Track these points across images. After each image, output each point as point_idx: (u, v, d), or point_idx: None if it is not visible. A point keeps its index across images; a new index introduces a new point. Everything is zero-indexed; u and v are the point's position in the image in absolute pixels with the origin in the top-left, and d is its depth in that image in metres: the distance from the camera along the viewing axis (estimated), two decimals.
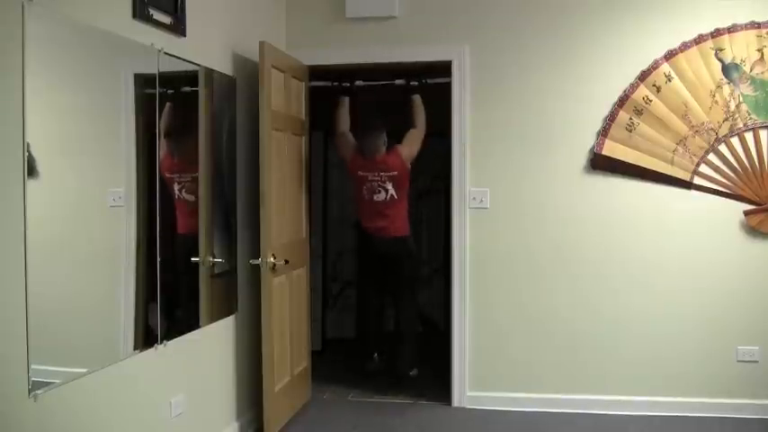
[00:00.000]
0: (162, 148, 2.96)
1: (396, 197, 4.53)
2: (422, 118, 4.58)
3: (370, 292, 4.99)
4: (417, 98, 4.60)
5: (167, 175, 3.06)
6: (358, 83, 4.82)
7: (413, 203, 5.32)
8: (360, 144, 4.57)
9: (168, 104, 3.02)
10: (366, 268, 5.03)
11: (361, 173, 4.55)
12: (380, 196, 4.53)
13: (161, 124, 2.96)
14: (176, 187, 3.15)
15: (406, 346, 4.76)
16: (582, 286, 4.13)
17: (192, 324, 3.26)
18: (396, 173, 4.50)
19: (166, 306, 2.98)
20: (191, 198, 3.24)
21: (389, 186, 4.51)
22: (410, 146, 4.57)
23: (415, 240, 5.26)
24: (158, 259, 2.90)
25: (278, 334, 3.74)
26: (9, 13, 2.11)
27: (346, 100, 4.70)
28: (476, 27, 4.18)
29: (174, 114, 3.07)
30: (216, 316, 3.47)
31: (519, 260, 4.18)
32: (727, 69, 3.94)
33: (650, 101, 4.00)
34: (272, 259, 3.63)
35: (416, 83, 4.67)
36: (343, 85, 4.79)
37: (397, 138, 4.61)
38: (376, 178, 4.51)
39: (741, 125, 3.95)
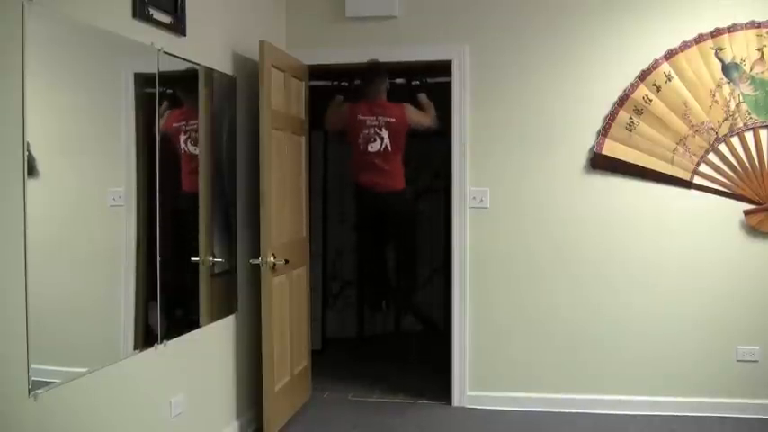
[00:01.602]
0: (166, 101, 2.97)
1: (390, 150, 4.52)
2: (432, 112, 4.63)
3: (370, 244, 5.11)
4: (423, 96, 4.63)
5: (174, 124, 3.08)
6: (357, 83, 4.83)
7: (413, 203, 5.36)
8: (362, 88, 4.59)
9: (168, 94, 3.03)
10: (364, 222, 5.12)
11: (360, 116, 4.55)
12: (375, 146, 4.53)
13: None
14: (182, 138, 3.16)
15: (406, 293, 5.13)
16: (582, 286, 4.13)
17: (192, 323, 3.26)
18: (393, 120, 4.51)
19: (166, 305, 2.98)
20: (195, 150, 3.25)
21: (385, 135, 4.50)
22: (418, 115, 4.60)
23: (415, 240, 5.29)
24: (158, 259, 2.90)
25: (278, 333, 3.74)
26: (9, 12, 2.11)
27: (341, 99, 4.73)
28: (476, 27, 4.18)
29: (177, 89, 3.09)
30: (216, 315, 3.47)
31: (519, 260, 4.18)
32: (727, 69, 3.94)
33: (650, 100, 4.00)
34: (272, 259, 3.63)
35: (417, 83, 4.68)
36: (343, 84, 4.81)
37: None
38: (374, 123, 4.52)
39: (741, 125, 3.95)
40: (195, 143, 3.27)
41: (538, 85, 4.13)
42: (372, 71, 4.50)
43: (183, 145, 3.18)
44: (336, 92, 4.80)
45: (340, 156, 5.63)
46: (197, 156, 3.29)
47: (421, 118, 4.61)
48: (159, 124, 2.94)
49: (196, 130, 3.27)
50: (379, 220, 4.93)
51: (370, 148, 4.54)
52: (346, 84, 4.83)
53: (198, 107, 3.31)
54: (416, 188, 5.60)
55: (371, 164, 4.60)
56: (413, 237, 5.14)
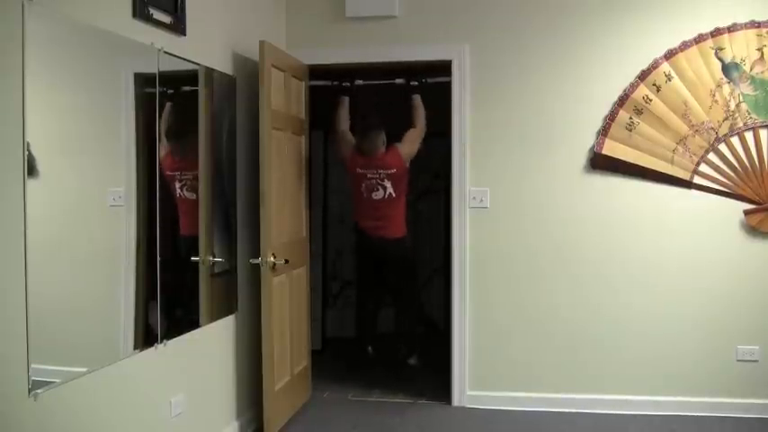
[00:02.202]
0: (163, 146, 2.97)
1: (394, 195, 4.54)
2: (422, 118, 4.61)
3: (368, 292, 5.07)
4: (417, 98, 4.62)
5: (168, 173, 3.06)
6: (358, 82, 4.82)
7: (413, 203, 5.35)
8: (359, 143, 4.58)
9: (168, 104, 3.02)
10: (364, 268, 5.08)
11: (359, 170, 4.56)
12: (379, 194, 4.55)
13: (162, 123, 2.96)
14: (177, 185, 3.15)
15: (405, 338, 4.94)
16: (582, 286, 4.13)
17: (192, 323, 3.26)
18: (394, 170, 4.52)
19: (166, 305, 2.98)
20: (192, 196, 3.24)
21: (388, 185, 4.51)
22: (410, 145, 4.58)
23: (415, 240, 5.29)
24: (158, 259, 2.90)
25: (278, 333, 3.74)
26: (9, 12, 2.11)
27: (346, 100, 4.71)
28: (476, 27, 4.18)
29: (175, 113, 3.07)
30: (216, 315, 3.47)
31: (519, 260, 4.18)
32: (727, 69, 3.94)
33: (650, 100, 4.00)
34: (272, 258, 3.63)
35: (416, 83, 4.68)
36: (344, 84, 4.80)
37: (396, 137, 4.62)
38: (374, 176, 4.52)
39: (741, 124, 3.95)
40: (196, 142, 3.27)
41: (538, 85, 4.13)
42: (369, 128, 4.51)
43: (178, 186, 3.16)
44: (339, 92, 4.77)
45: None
46: (197, 155, 3.29)
47: (413, 147, 4.59)
48: (160, 125, 2.94)
49: (196, 131, 3.27)
50: (380, 269, 4.90)
51: (374, 197, 4.56)
52: (348, 84, 4.81)
53: (198, 108, 3.31)
54: (417, 189, 5.60)
55: (375, 210, 4.61)
56: (413, 283, 5.07)
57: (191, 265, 3.28)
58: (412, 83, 4.68)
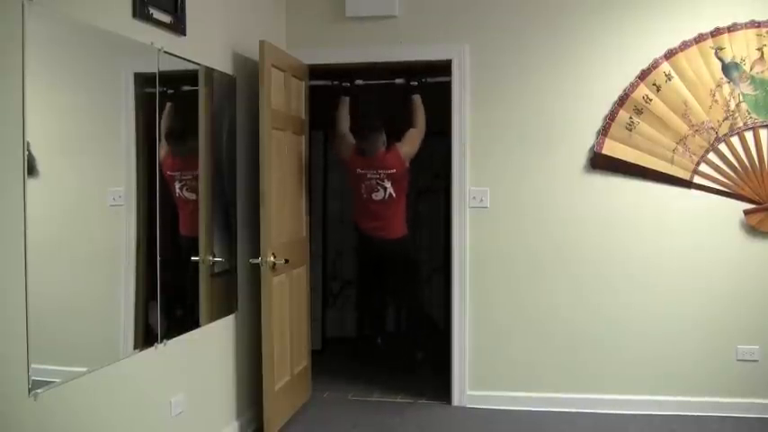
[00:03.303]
0: (162, 147, 2.97)
1: (394, 196, 4.54)
2: (422, 118, 4.60)
3: (371, 292, 5.09)
4: (417, 98, 4.61)
5: (168, 173, 3.06)
6: (358, 82, 4.82)
7: (413, 203, 5.35)
8: (359, 144, 4.58)
9: (169, 104, 3.02)
10: (366, 269, 5.09)
11: (360, 170, 4.56)
12: (379, 195, 4.55)
13: (162, 123, 2.96)
14: (177, 185, 3.15)
15: (412, 337, 5.06)
16: (582, 286, 4.13)
17: (191, 323, 3.26)
18: (394, 171, 4.52)
19: (166, 305, 2.98)
20: (191, 196, 3.25)
21: (388, 185, 4.52)
22: (410, 145, 4.58)
23: (416, 240, 5.29)
24: (158, 258, 2.90)
25: (278, 333, 3.74)
26: (9, 12, 2.11)
27: (346, 100, 4.71)
28: (476, 26, 4.18)
29: (175, 113, 3.07)
30: (216, 315, 3.47)
31: (519, 260, 4.18)
32: (727, 68, 3.94)
33: (650, 100, 4.00)
34: (272, 258, 3.63)
35: (416, 82, 4.68)
36: (344, 84, 4.79)
37: (396, 137, 4.62)
38: (375, 176, 4.53)
39: (741, 124, 3.95)
40: (196, 143, 3.27)
41: (538, 85, 4.13)
42: (370, 129, 4.52)
43: (178, 186, 3.17)
44: (342, 93, 4.76)
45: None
46: (197, 155, 3.29)
47: (413, 147, 4.59)
48: (160, 126, 2.94)
49: (196, 132, 3.27)
50: (381, 269, 4.92)
51: (374, 197, 4.56)
52: (348, 84, 4.81)
53: (198, 107, 3.31)
54: (417, 188, 5.59)
55: (374, 211, 4.61)
56: (414, 283, 5.09)
57: (191, 265, 3.28)
58: (412, 83, 4.67)
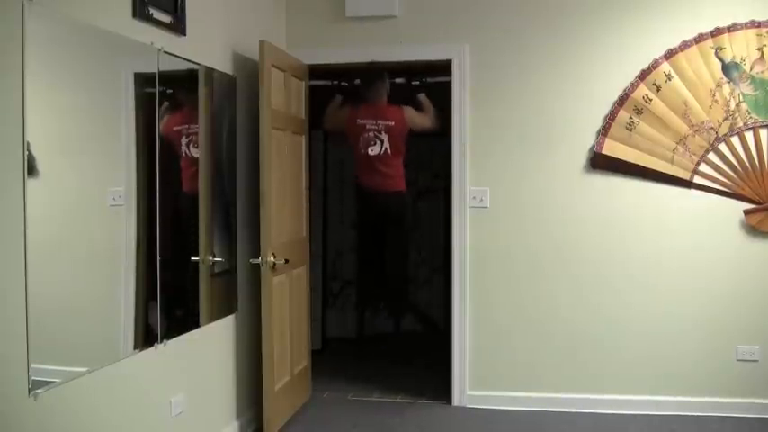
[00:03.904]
0: (165, 109, 2.98)
1: (390, 153, 4.54)
2: (431, 113, 4.61)
3: (369, 244, 5.18)
4: (423, 96, 4.63)
5: (174, 128, 3.09)
6: (356, 82, 4.83)
7: (413, 204, 5.36)
8: (364, 91, 4.59)
9: (167, 103, 3.03)
10: (365, 222, 5.18)
11: (359, 121, 4.57)
12: (375, 149, 4.56)
13: (160, 120, 2.96)
14: (183, 141, 3.16)
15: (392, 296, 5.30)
16: (582, 286, 4.13)
17: (192, 323, 3.26)
18: (392, 124, 4.53)
19: (166, 305, 2.98)
20: (197, 154, 3.25)
21: (385, 138, 4.53)
22: (419, 116, 4.61)
23: (415, 240, 5.30)
24: (158, 259, 2.90)
25: (278, 333, 3.74)
26: (9, 12, 2.11)
27: (338, 98, 4.74)
28: (476, 27, 4.18)
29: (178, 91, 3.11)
30: (216, 315, 3.47)
31: (519, 260, 4.18)
32: (727, 68, 3.94)
33: (650, 100, 4.00)
34: (272, 258, 3.63)
35: (418, 82, 4.68)
36: (342, 84, 4.82)
37: None
38: (373, 127, 4.54)
39: (741, 124, 3.95)
40: (197, 146, 3.27)
41: (538, 85, 4.13)
42: (373, 73, 4.51)
43: (184, 148, 3.18)
44: (336, 91, 4.80)
45: (340, 156, 5.64)
46: (197, 158, 3.29)
47: (421, 120, 4.62)
48: (159, 125, 2.94)
49: (197, 134, 3.27)
50: (379, 221, 4.96)
51: (370, 152, 4.56)
52: (346, 84, 4.82)
53: (198, 108, 3.31)
54: (417, 188, 5.60)
55: (372, 166, 4.62)
56: (412, 237, 5.17)
57: (191, 265, 3.28)
58: (413, 83, 4.68)
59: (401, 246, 5.12)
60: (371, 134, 4.55)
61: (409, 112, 4.59)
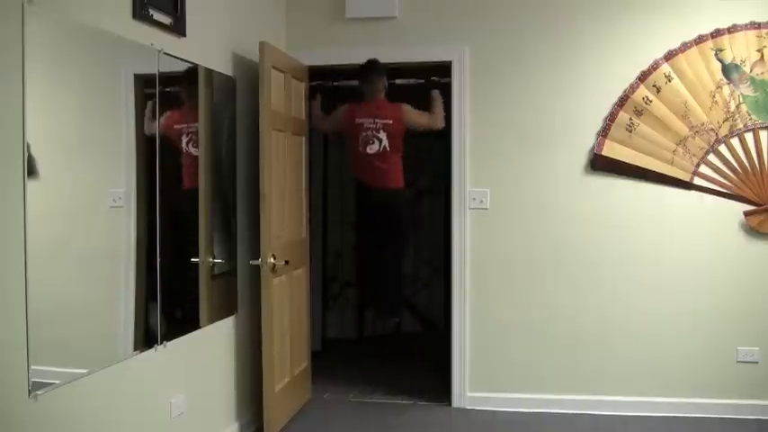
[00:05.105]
0: (165, 110, 2.98)
1: (388, 150, 4.51)
2: (439, 109, 4.57)
3: (369, 244, 5.16)
4: (436, 93, 4.58)
5: (175, 126, 3.08)
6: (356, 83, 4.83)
7: (411, 201, 5.36)
8: (361, 85, 4.57)
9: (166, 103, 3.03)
10: (364, 220, 5.14)
11: (358, 120, 4.53)
12: (374, 147, 4.52)
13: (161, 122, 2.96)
14: (184, 140, 3.16)
15: (389, 295, 5.06)
16: (582, 286, 4.13)
17: (192, 324, 3.25)
18: (390, 122, 4.48)
19: (166, 306, 2.97)
20: (196, 152, 3.25)
21: (383, 136, 4.49)
22: (416, 115, 4.53)
23: (413, 237, 5.30)
24: (158, 260, 2.90)
25: (278, 334, 3.74)
26: (9, 12, 2.11)
27: (318, 97, 4.68)
28: (475, 28, 4.18)
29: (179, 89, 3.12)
30: (216, 316, 3.47)
31: (519, 260, 4.18)
32: (727, 70, 3.94)
33: (650, 101, 4.00)
34: (272, 260, 3.63)
35: (435, 78, 4.67)
36: (324, 84, 4.83)
37: None
38: (371, 126, 4.51)
39: (741, 126, 3.95)
40: (197, 145, 3.27)
41: (538, 86, 4.13)
42: (370, 69, 4.49)
43: (184, 146, 3.19)
44: (318, 91, 4.73)
45: (340, 157, 5.63)
46: (198, 157, 3.29)
47: (419, 118, 4.57)
48: (159, 125, 2.94)
49: (197, 133, 3.27)
50: (378, 218, 4.94)
51: (369, 150, 4.54)
52: (332, 83, 4.80)
53: (198, 109, 3.31)
54: (417, 189, 5.60)
55: (370, 164, 4.60)
56: (411, 234, 5.16)
57: (191, 267, 3.27)
58: (432, 79, 4.66)
59: (402, 243, 5.11)
60: (370, 133, 4.52)
61: (407, 110, 4.56)
